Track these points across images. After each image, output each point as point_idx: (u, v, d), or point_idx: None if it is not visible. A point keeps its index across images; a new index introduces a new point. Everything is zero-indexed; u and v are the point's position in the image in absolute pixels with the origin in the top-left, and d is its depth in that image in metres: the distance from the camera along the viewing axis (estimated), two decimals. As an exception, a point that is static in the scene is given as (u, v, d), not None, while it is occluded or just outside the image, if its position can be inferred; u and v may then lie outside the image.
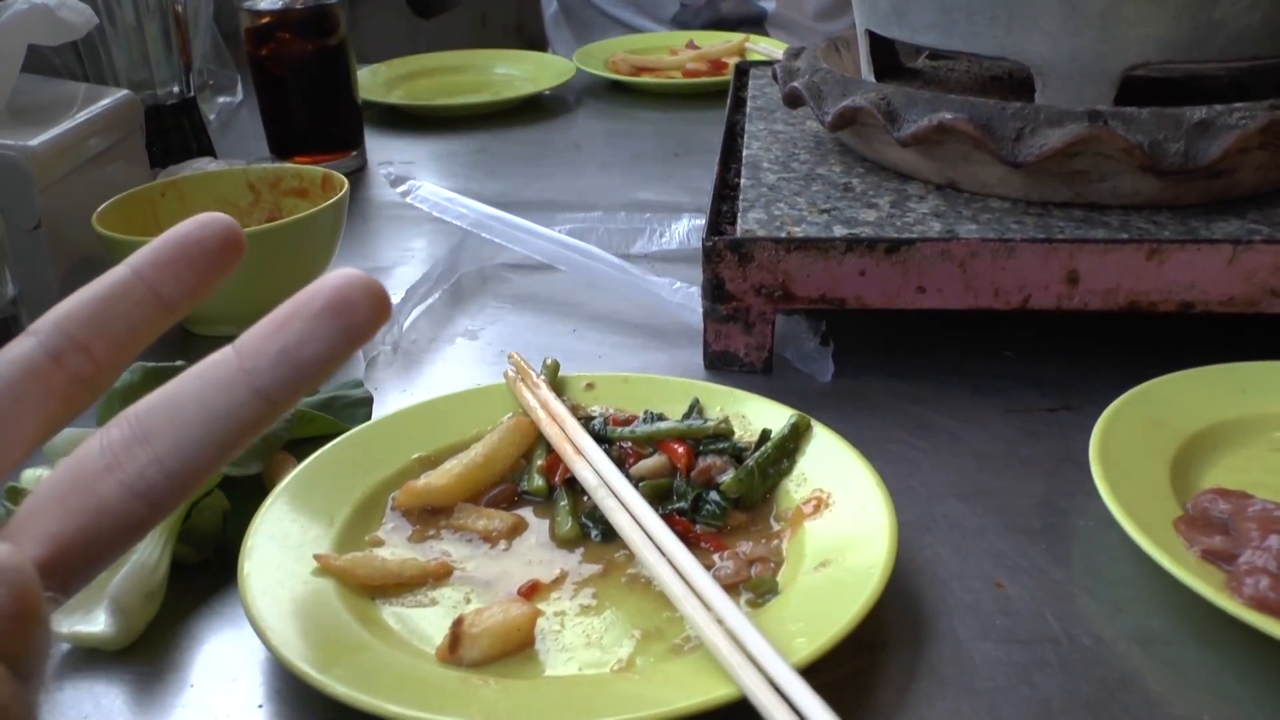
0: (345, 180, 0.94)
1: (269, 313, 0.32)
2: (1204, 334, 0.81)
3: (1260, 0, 0.77)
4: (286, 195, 0.99)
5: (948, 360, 0.82)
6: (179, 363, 0.72)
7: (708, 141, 1.32)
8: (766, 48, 1.62)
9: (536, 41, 2.27)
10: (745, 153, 0.96)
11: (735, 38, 1.69)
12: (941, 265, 0.76)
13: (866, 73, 0.96)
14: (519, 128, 1.46)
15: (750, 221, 0.80)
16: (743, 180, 0.89)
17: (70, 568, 0.32)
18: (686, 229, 1.02)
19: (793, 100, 0.94)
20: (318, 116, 1.28)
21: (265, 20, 1.24)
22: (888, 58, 1.01)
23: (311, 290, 0.31)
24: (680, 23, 2.04)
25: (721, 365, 0.82)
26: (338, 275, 0.31)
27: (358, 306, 0.31)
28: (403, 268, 1.03)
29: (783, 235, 0.77)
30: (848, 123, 0.87)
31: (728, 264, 0.77)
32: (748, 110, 1.10)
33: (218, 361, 0.32)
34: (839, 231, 0.78)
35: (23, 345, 0.35)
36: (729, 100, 1.14)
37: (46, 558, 0.32)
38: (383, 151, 1.37)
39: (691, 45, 1.70)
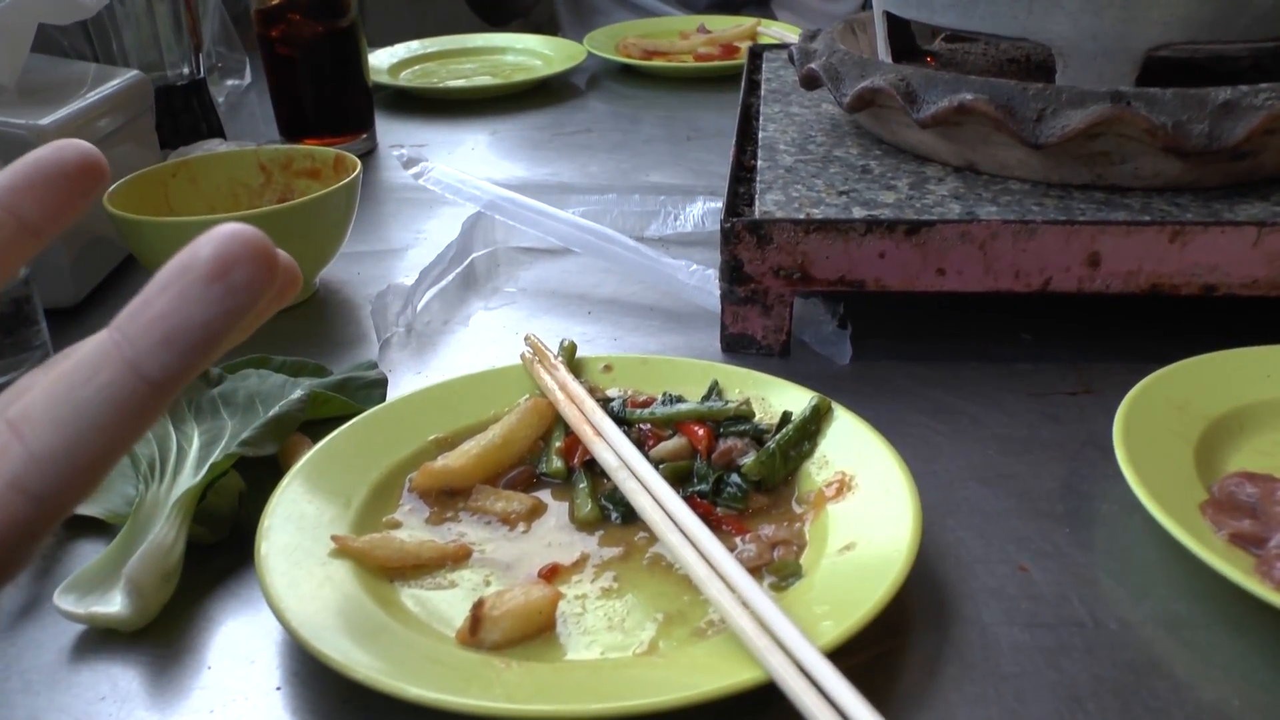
0: (358, 161, 0.93)
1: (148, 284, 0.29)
2: (1224, 318, 0.80)
3: (1286, -21, 0.77)
4: (298, 176, 0.98)
5: (966, 343, 0.82)
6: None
7: (720, 126, 1.32)
8: (779, 31, 1.61)
9: (544, 26, 2.26)
10: (761, 135, 0.95)
11: (747, 22, 1.68)
12: (962, 247, 0.75)
13: (884, 55, 0.96)
14: (530, 111, 1.45)
15: (768, 203, 0.79)
16: (759, 162, 0.88)
17: None
18: (701, 211, 1.01)
19: (810, 82, 0.93)
20: (328, 99, 1.28)
21: (275, 2, 1.23)
22: (904, 40, 1.00)
23: (189, 253, 0.28)
24: (687, 3, 2.03)
25: (739, 348, 0.81)
26: (217, 235, 0.28)
27: (240, 266, 0.28)
28: (415, 250, 1.02)
29: (801, 217, 0.76)
30: (866, 104, 0.86)
31: (746, 245, 0.76)
32: (762, 93, 1.09)
33: (96, 344, 0.29)
34: (858, 213, 0.77)
35: None
36: (743, 83, 1.13)
37: None
38: (393, 135, 1.36)
39: (703, 29, 1.69)
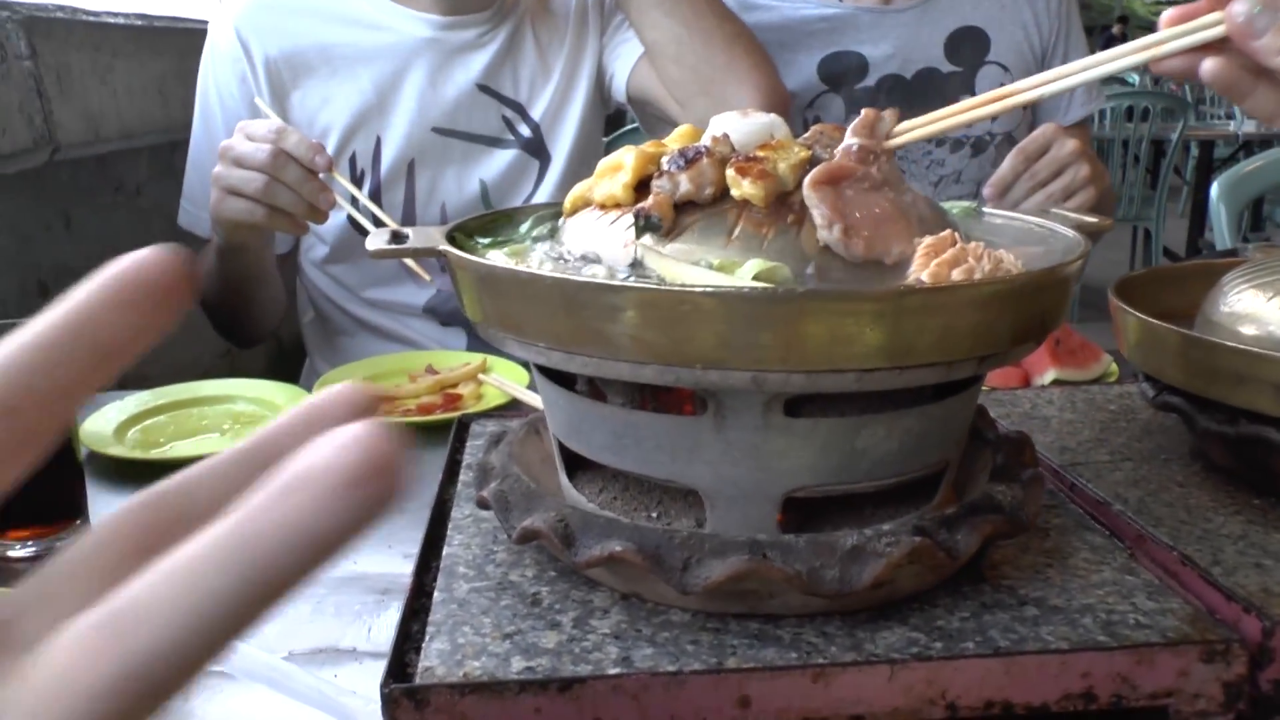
0: None
1: (268, 475, 0.28)
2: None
3: (894, 431, 0.83)
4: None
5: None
6: None
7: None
8: (499, 379, 1.65)
9: (290, 349, 2.29)
10: (445, 550, 0.97)
11: (474, 360, 1.72)
12: (615, 699, 0.78)
13: (560, 469, 0.99)
14: (251, 476, 1.45)
15: (432, 656, 0.81)
16: (435, 594, 0.90)
17: None
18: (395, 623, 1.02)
19: (483, 505, 0.96)
20: (34, 488, 1.25)
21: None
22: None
23: (322, 457, 0.28)
24: (430, 309, 2.08)
25: (407, 804, 0.82)
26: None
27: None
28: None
29: (459, 677, 0.78)
30: (531, 539, 0.89)
31: (405, 710, 0.78)
32: (459, 485, 1.12)
33: (212, 541, 0.29)
34: (517, 664, 0.79)
35: None
36: (444, 469, 1.16)
37: None
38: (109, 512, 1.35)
39: (430, 370, 1.72)
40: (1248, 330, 1.06)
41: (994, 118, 2.27)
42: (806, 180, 0.85)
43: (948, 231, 0.85)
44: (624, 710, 0.78)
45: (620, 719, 0.79)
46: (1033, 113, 2.36)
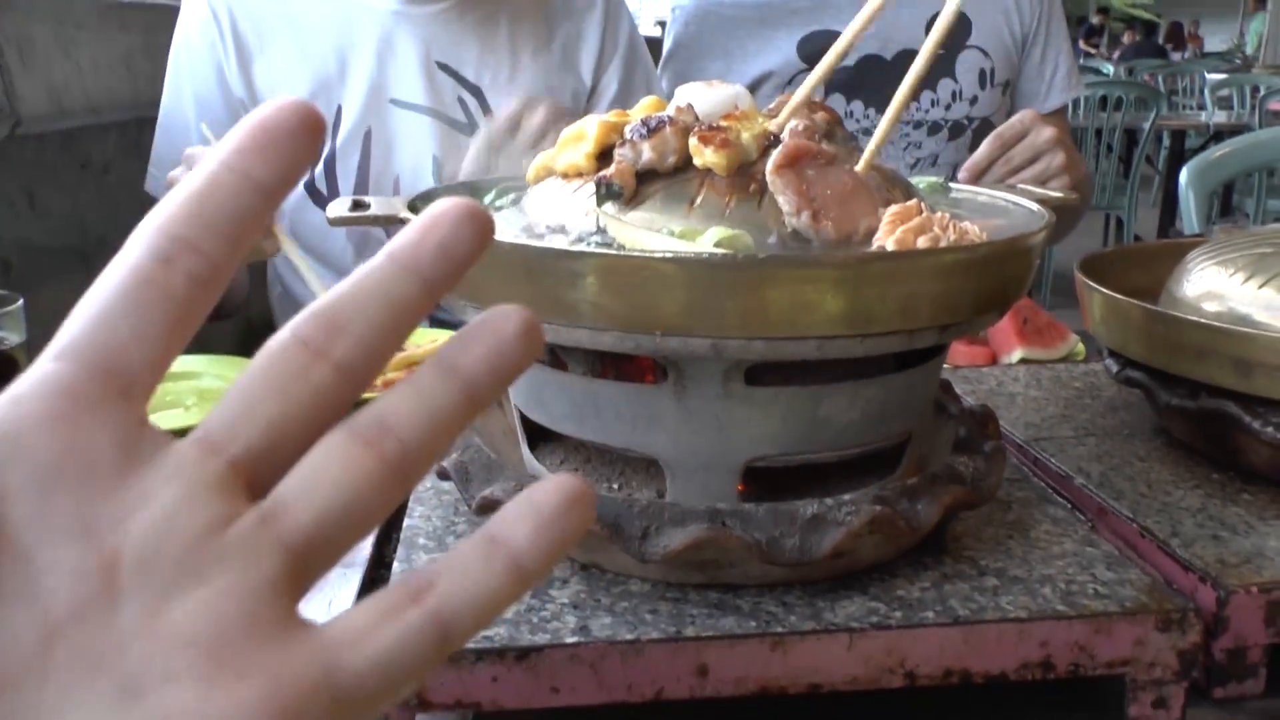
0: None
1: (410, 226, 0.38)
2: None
3: (857, 401, 0.83)
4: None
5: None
6: None
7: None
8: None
9: (260, 326, 2.27)
10: (406, 522, 0.97)
11: (440, 337, 1.71)
12: (573, 668, 0.78)
13: (521, 440, 0.99)
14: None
15: (389, 624, 0.80)
16: (395, 564, 0.90)
17: (287, 452, 0.37)
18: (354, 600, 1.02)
19: (443, 477, 0.96)
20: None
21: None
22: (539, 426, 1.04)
23: (435, 215, 0.38)
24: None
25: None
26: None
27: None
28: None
29: (415, 645, 0.78)
30: (491, 508, 0.88)
31: (360, 678, 0.77)
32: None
33: (381, 265, 0.38)
34: (474, 634, 0.79)
35: (129, 255, 0.36)
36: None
37: (267, 443, 0.37)
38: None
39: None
40: (1210, 306, 1.06)
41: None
42: (769, 167, 0.84)
43: (914, 200, 0.84)
44: (581, 679, 0.78)
45: (577, 688, 0.78)
46: (1011, 98, 2.35)
